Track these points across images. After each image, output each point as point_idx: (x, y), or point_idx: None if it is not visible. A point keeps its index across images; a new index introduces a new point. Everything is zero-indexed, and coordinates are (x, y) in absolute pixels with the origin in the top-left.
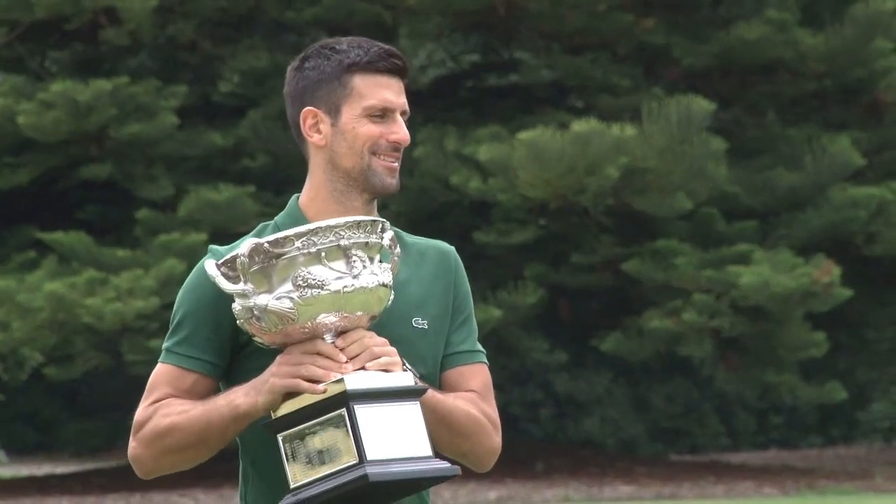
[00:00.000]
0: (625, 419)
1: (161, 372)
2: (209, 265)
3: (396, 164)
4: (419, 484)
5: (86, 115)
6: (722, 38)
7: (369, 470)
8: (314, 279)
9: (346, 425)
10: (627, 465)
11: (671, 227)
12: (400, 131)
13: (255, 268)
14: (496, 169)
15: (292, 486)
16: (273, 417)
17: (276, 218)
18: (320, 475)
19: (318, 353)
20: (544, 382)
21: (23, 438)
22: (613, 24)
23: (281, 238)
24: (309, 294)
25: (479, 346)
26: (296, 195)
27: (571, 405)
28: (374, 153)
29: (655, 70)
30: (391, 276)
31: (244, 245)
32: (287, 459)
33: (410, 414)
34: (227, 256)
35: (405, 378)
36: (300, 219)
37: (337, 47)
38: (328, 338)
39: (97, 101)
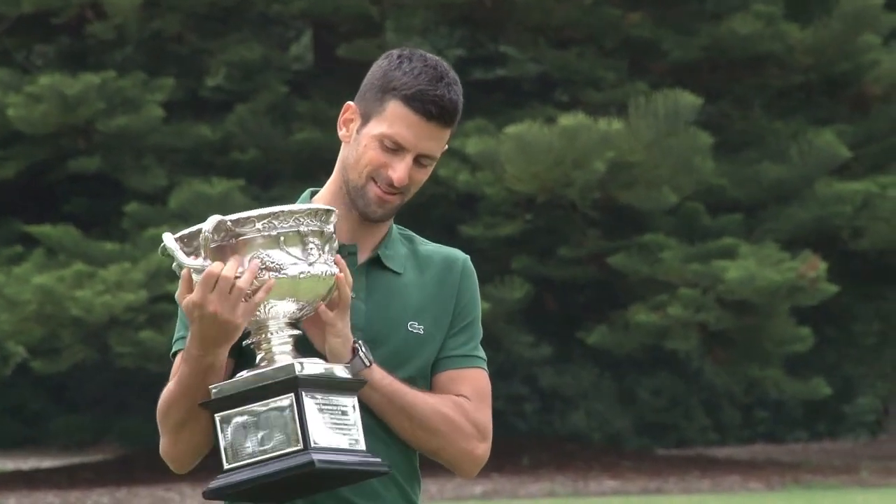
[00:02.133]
0: (611, 413)
1: (176, 362)
2: (167, 237)
3: (391, 198)
4: (349, 477)
5: (74, 109)
6: (709, 32)
7: (315, 457)
8: (272, 262)
9: (293, 410)
10: (613, 460)
11: (657, 220)
12: (399, 171)
13: (214, 245)
14: (484, 162)
15: (226, 467)
16: (212, 397)
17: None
18: (258, 459)
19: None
20: (530, 376)
21: (9, 432)
22: (600, 17)
23: (244, 217)
24: (265, 276)
25: (480, 353)
26: (310, 189)
27: (557, 399)
28: (372, 178)
29: (642, 64)
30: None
31: (209, 220)
32: (223, 440)
33: (348, 406)
34: (188, 231)
35: (345, 370)
36: None
37: (404, 62)
38: (274, 324)
39: (86, 94)
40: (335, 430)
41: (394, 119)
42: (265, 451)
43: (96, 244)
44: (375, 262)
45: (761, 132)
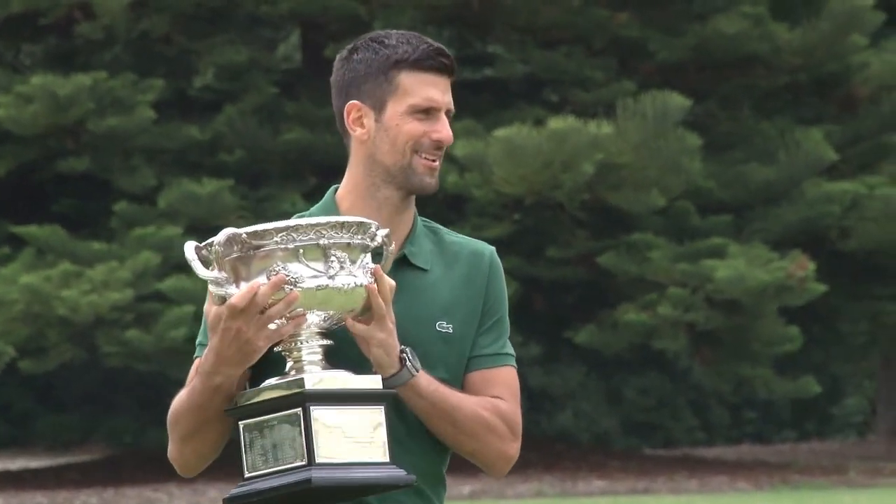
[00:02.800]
0: (598, 413)
1: (193, 367)
2: (188, 247)
3: (437, 163)
4: (370, 489)
5: (65, 109)
6: (697, 32)
7: (314, 474)
8: (288, 275)
9: (300, 425)
10: (601, 460)
11: (646, 220)
12: (443, 130)
13: (233, 256)
14: (472, 164)
15: (246, 475)
16: (236, 405)
17: (311, 209)
18: (270, 471)
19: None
20: (518, 376)
21: None
22: (588, 18)
23: (260, 230)
24: (281, 289)
25: (509, 349)
26: (334, 186)
27: (545, 399)
28: (416, 151)
29: (630, 64)
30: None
31: (221, 233)
32: (245, 448)
33: (372, 418)
34: (207, 242)
35: (371, 381)
36: (332, 211)
37: (385, 41)
38: (305, 333)
39: (77, 94)
40: (353, 443)
41: (414, 87)
42: (277, 464)
43: (84, 244)
44: (402, 261)
45: (749, 132)
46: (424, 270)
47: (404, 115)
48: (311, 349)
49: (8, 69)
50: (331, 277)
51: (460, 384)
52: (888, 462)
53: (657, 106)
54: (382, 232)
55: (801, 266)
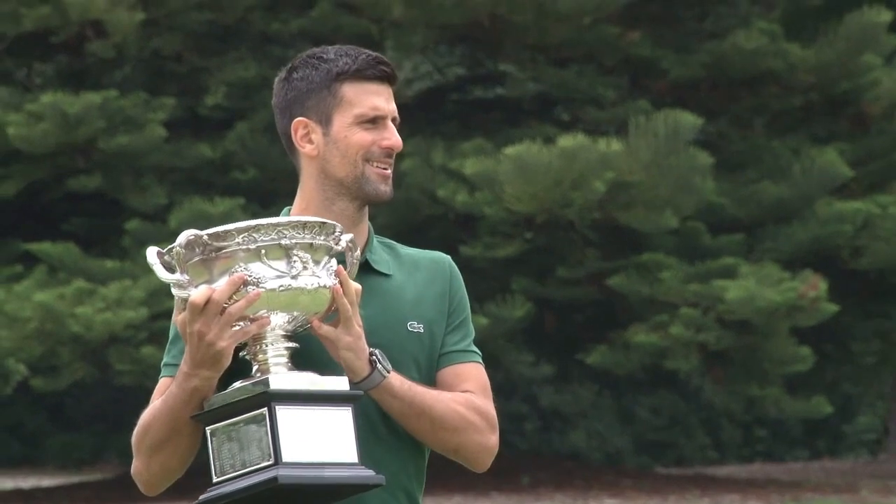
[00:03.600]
0: (610, 432)
1: (158, 386)
2: (150, 252)
3: (389, 170)
4: (339, 491)
5: (75, 127)
6: (710, 50)
7: (280, 472)
8: (250, 275)
9: (266, 425)
10: (613, 478)
11: (657, 240)
12: (392, 137)
13: (196, 259)
14: (482, 182)
15: (215, 480)
16: (203, 410)
17: None
18: (238, 473)
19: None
20: (529, 395)
21: (8, 450)
22: (599, 36)
23: (222, 231)
24: (243, 290)
25: (475, 349)
26: (287, 207)
27: (557, 418)
28: (367, 160)
29: (641, 82)
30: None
31: (181, 235)
32: (213, 453)
33: (339, 419)
34: (169, 246)
35: (338, 382)
36: None
37: (324, 56)
38: (270, 336)
39: (87, 113)
40: (320, 444)
41: (357, 98)
42: (244, 465)
43: (96, 262)
44: (364, 267)
45: (761, 151)
46: (387, 276)
47: (351, 125)
48: (276, 351)
49: (19, 88)
50: (294, 277)
51: (432, 383)
52: None
53: (669, 124)
54: (346, 237)
55: (813, 286)
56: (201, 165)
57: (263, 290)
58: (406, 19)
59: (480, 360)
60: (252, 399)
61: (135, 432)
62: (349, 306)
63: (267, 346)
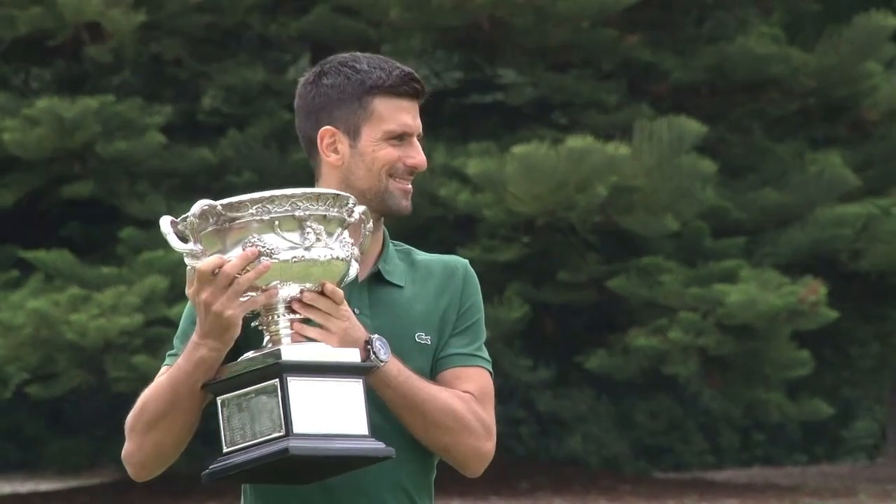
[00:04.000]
0: (608, 437)
1: (159, 374)
2: (163, 221)
3: (410, 186)
4: (349, 462)
5: (71, 133)
6: (710, 54)
7: (291, 444)
8: (264, 246)
9: (277, 396)
10: (611, 483)
11: (657, 244)
12: (417, 156)
13: (210, 229)
14: (485, 183)
15: (224, 451)
16: (215, 380)
17: None
18: (248, 444)
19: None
20: (527, 400)
21: (5, 455)
22: (598, 40)
23: (236, 202)
24: (257, 260)
25: (483, 354)
26: None
27: (554, 423)
28: (391, 175)
29: (640, 87)
30: (351, 252)
31: (196, 205)
32: (223, 424)
33: (350, 390)
34: (183, 216)
35: (349, 354)
36: None
37: (357, 66)
38: (281, 307)
39: (83, 118)
40: (331, 415)
41: (388, 114)
42: (255, 436)
43: (92, 269)
44: (376, 277)
45: (761, 156)
46: (399, 286)
47: (379, 140)
48: (287, 323)
49: (16, 93)
50: (307, 249)
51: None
52: None
53: (673, 130)
54: (360, 208)
55: (813, 290)
56: (198, 171)
57: (276, 260)
58: (404, 23)
59: (487, 366)
60: (264, 370)
61: (130, 414)
62: (339, 291)
63: (279, 317)
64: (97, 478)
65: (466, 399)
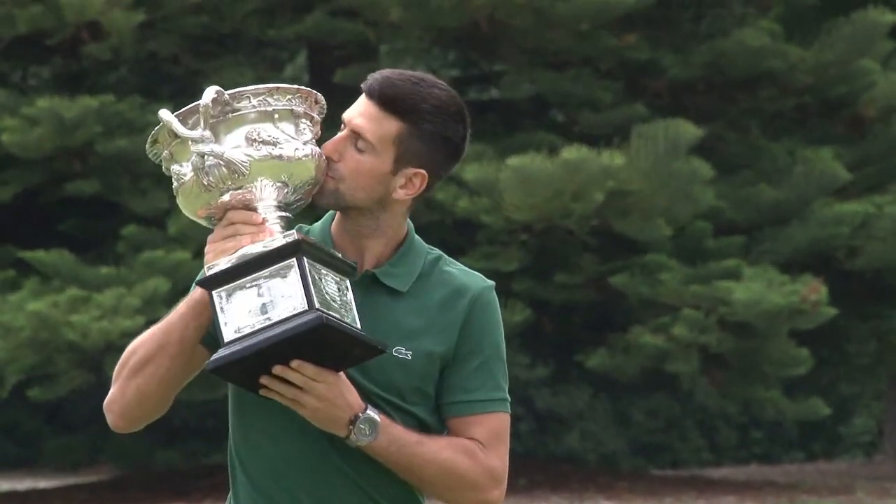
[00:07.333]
0: (606, 434)
1: None
2: (163, 112)
3: (328, 179)
4: (348, 355)
5: (71, 132)
6: (708, 50)
7: (321, 314)
8: (268, 136)
9: (296, 274)
10: (609, 480)
11: (658, 242)
12: (327, 142)
13: (212, 120)
14: (483, 189)
15: (229, 339)
16: (208, 273)
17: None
18: (263, 326)
19: (237, 223)
20: (525, 398)
21: (3, 452)
22: (595, 39)
23: (238, 92)
24: (264, 151)
25: (497, 394)
26: (301, 225)
27: (552, 420)
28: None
29: (637, 85)
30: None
31: (207, 92)
32: (223, 316)
33: (345, 286)
34: (185, 108)
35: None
36: (326, 233)
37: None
38: (262, 206)
39: (83, 117)
40: (333, 303)
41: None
42: (269, 318)
43: (91, 269)
44: (373, 280)
45: (757, 153)
46: (397, 292)
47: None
48: (273, 219)
49: (15, 91)
50: (304, 143)
51: (415, 414)
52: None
53: (669, 134)
54: (321, 103)
55: (814, 289)
56: None
57: (280, 152)
58: (403, 22)
59: (502, 408)
60: (279, 250)
61: (119, 363)
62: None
63: (263, 215)
64: (96, 475)
65: (472, 451)
